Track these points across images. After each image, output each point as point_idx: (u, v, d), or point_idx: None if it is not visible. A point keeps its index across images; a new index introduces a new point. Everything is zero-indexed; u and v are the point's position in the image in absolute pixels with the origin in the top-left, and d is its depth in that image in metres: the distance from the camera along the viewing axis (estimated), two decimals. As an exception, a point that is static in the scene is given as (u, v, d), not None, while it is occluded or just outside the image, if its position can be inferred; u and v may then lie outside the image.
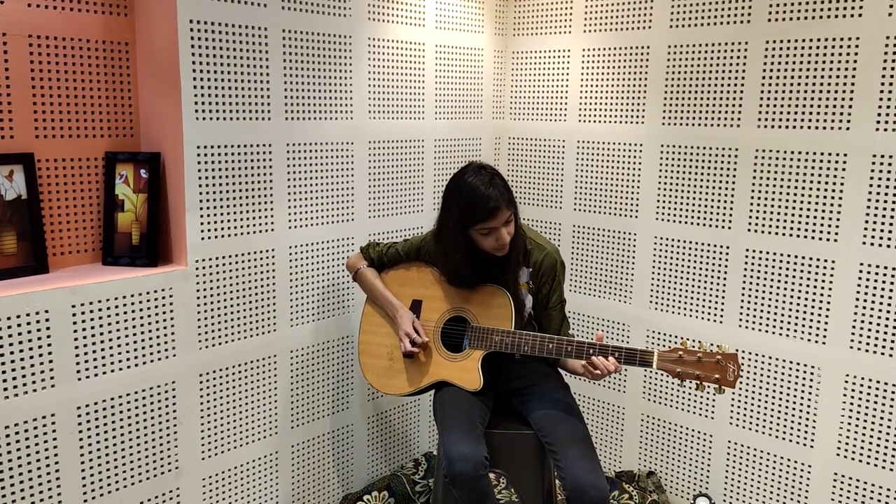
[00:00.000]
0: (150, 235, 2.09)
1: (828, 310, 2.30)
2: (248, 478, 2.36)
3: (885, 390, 2.21)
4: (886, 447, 2.23)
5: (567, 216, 2.94)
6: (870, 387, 2.24)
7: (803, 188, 2.31)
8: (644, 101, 2.66)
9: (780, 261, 2.38)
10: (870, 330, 2.22)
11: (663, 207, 2.65)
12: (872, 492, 2.27)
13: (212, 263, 2.15)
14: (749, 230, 2.44)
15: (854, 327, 2.25)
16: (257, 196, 2.25)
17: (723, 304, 2.52)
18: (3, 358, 1.76)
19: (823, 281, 2.30)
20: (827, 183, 2.27)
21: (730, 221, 2.48)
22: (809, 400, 2.37)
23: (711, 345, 1.87)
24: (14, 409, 1.79)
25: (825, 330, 2.31)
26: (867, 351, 2.23)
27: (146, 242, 2.09)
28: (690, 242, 2.59)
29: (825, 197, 2.27)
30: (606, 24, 2.74)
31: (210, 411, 2.21)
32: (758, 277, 2.44)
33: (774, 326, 2.42)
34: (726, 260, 2.50)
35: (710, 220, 2.53)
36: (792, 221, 2.34)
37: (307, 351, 2.47)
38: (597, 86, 2.80)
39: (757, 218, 2.42)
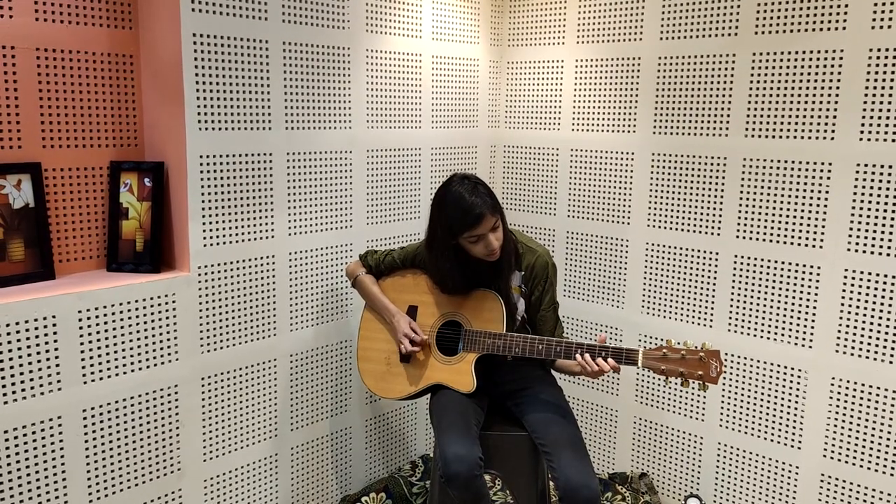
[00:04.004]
0: (154, 242, 2.15)
1: (814, 314, 2.36)
2: (248, 479, 2.41)
3: (870, 393, 2.27)
4: (871, 448, 2.28)
5: (561, 223, 3.00)
6: (855, 389, 2.29)
7: (790, 196, 2.37)
8: (635, 111, 2.72)
9: (768, 266, 2.44)
10: (854, 334, 2.28)
11: (654, 214, 2.70)
12: (858, 492, 2.32)
13: (214, 269, 2.21)
14: (737, 236, 2.50)
15: (839, 331, 2.31)
16: (258, 204, 2.30)
17: (712, 308, 2.58)
18: (11, 362, 1.82)
19: (810, 286, 2.36)
20: (812, 191, 2.33)
21: (719, 228, 2.54)
22: (796, 402, 2.42)
23: (695, 346, 1.92)
24: (22, 411, 1.85)
25: (811, 334, 2.37)
26: (852, 354, 2.29)
27: (150, 249, 2.15)
28: (681, 248, 2.65)
29: (811, 204, 2.33)
30: (599, 35, 2.80)
31: (212, 414, 2.26)
32: (746, 283, 2.49)
33: (762, 330, 2.47)
34: (715, 265, 2.56)
35: (700, 226, 2.59)
36: (779, 228, 2.40)
37: (306, 355, 2.53)
38: (589, 96, 2.86)
39: (745, 225, 2.48)
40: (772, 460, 2.50)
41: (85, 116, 2.11)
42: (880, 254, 2.21)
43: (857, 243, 2.25)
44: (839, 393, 2.33)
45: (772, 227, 2.42)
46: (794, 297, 2.39)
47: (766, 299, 2.45)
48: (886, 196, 2.18)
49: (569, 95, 2.92)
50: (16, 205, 1.97)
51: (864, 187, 2.22)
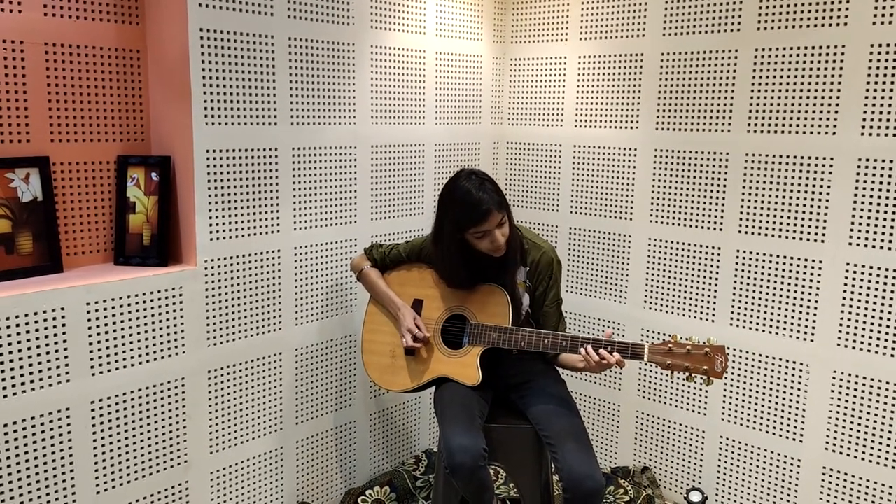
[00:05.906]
0: (161, 236, 2.16)
1: (815, 308, 2.37)
2: (254, 472, 2.42)
3: (871, 386, 2.28)
4: (873, 441, 2.30)
5: (564, 218, 3.02)
6: (856, 383, 2.31)
7: (791, 191, 2.39)
8: (638, 107, 2.73)
9: (770, 261, 2.46)
10: (856, 327, 2.30)
11: (657, 210, 2.72)
12: (859, 485, 2.34)
13: (220, 263, 2.22)
14: (739, 231, 2.51)
15: (841, 325, 2.32)
16: (264, 198, 2.32)
17: (714, 303, 2.60)
18: (20, 353, 1.83)
19: (811, 280, 2.37)
20: (814, 186, 2.34)
21: (721, 223, 2.56)
22: (798, 396, 2.44)
23: (700, 341, 1.94)
24: (31, 402, 1.86)
25: (813, 328, 2.38)
26: (853, 348, 2.31)
27: (157, 243, 2.16)
28: (683, 244, 2.66)
29: (812, 199, 2.35)
30: (602, 32, 2.82)
31: (218, 407, 2.28)
32: (748, 277, 2.51)
33: (764, 325, 2.49)
34: (718, 260, 2.58)
35: (702, 221, 2.60)
36: (781, 223, 2.42)
37: (311, 349, 2.54)
38: (592, 92, 2.87)
39: (747, 220, 2.49)
40: (774, 453, 2.52)
41: (92, 111, 2.13)
42: (881, 248, 2.23)
43: (859, 238, 2.26)
44: (840, 386, 2.34)
45: (773, 222, 2.43)
46: (795, 292, 2.41)
47: (767, 294, 2.47)
48: (888, 191, 2.20)
49: (572, 92, 2.94)
50: (24, 198, 1.98)
51: (864, 182, 2.24)
